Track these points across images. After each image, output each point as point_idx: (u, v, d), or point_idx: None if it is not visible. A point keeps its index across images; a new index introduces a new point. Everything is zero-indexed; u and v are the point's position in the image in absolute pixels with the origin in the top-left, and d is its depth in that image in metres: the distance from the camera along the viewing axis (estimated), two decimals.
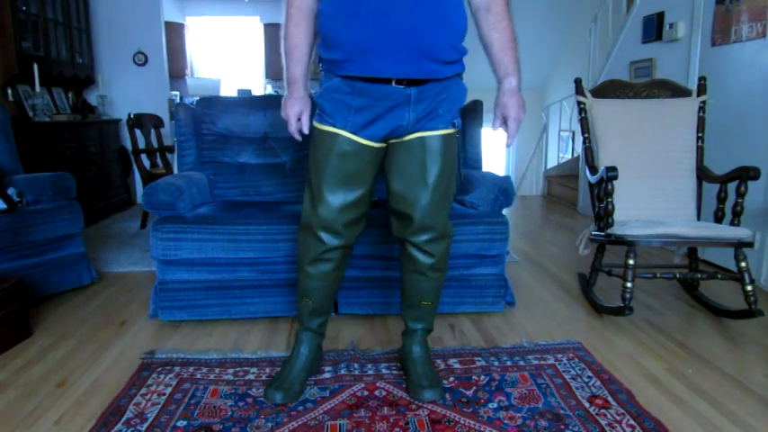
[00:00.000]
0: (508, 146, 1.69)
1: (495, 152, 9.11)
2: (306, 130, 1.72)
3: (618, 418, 1.64)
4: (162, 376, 1.89)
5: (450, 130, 1.66)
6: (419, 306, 1.83)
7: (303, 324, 1.83)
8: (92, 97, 5.20)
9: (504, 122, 1.67)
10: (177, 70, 6.87)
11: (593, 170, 2.58)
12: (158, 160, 4.40)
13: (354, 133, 1.60)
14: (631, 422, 1.61)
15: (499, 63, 1.65)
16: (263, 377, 1.89)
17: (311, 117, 1.71)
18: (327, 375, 1.89)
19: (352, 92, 1.57)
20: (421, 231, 1.70)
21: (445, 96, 1.62)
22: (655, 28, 3.90)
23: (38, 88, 4.18)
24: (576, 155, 6.46)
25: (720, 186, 2.44)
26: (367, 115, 1.58)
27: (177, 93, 6.69)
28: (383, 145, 1.66)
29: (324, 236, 1.67)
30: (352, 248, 1.78)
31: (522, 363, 2.00)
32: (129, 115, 4.14)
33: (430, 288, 1.80)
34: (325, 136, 1.62)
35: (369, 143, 1.62)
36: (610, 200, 2.35)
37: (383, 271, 2.37)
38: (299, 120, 1.71)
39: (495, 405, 1.71)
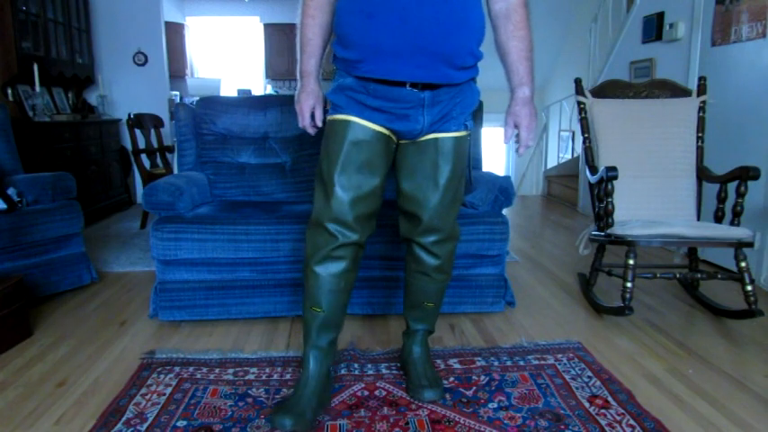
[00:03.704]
0: (520, 155, 1.69)
1: (495, 152, 9.12)
2: (320, 124, 1.69)
3: (618, 418, 1.64)
4: (162, 376, 1.89)
5: (463, 133, 1.64)
6: (422, 307, 1.82)
7: (310, 340, 1.67)
8: (92, 97, 5.20)
9: (516, 132, 1.67)
10: (177, 70, 6.87)
11: (593, 170, 2.58)
12: (158, 160, 4.40)
13: (368, 121, 1.57)
14: (631, 422, 1.61)
15: (515, 72, 1.63)
16: (263, 377, 1.89)
17: (324, 112, 1.70)
18: None
19: (366, 92, 1.55)
20: (429, 232, 1.68)
21: (459, 100, 1.60)
22: (655, 28, 3.90)
23: (38, 88, 4.19)
24: (576, 155, 6.46)
25: (720, 186, 2.44)
26: (382, 116, 1.57)
27: (177, 93, 6.69)
28: (395, 137, 1.64)
29: (335, 229, 1.58)
30: (363, 249, 1.68)
31: (522, 363, 2.00)
32: (129, 115, 4.14)
33: (434, 290, 1.79)
34: (339, 124, 1.59)
35: (382, 130, 1.58)
36: (610, 200, 2.35)
37: (383, 271, 2.37)
38: (313, 114, 1.68)
39: (495, 405, 1.71)
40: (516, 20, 1.59)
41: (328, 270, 1.61)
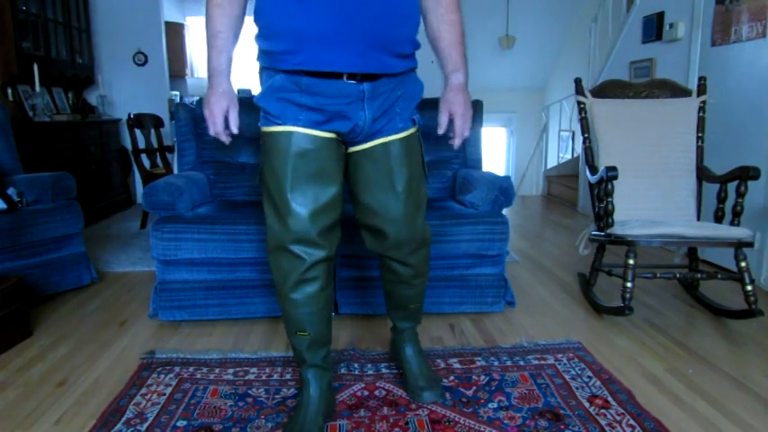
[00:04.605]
0: (456, 146, 1.60)
1: (495, 152, 9.12)
2: (235, 130, 1.51)
3: (618, 418, 1.64)
4: (162, 376, 1.89)
5: (411, 130, 1.54)
6: (407, 308, 1.80)
7: (305, 362, 1.60)
8: (92, 97, 5.20)
9: (451, 121, 1.56)
10: (177, 70, 6.86)
11: (593, 170, 2.58)
12: (158, 160, 4.41)
13: (310, 128, 1.44)
14: (631, 422, 1.61)
15: (447, 58, 1.54)
16: (263, 377, 1.89)
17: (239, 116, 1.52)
18: None
19: (298, 89, 1.40)
20: (399, 247, 1.59)
21: (401, 93, 1.50)
22: (655, 28, 3.90)
23: (38, 88, 4.19)
24: (576, 155, 6.46)
25: (720, 186, 2.44)
26: (320, 115, 1.43)
27: (177, 93, 6.68)
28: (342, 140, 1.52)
29: (301, 251, 1.46)
30: (334, 260, 1.58)
31: (522, 363, 2.00)
32: (129, 115, 4.14)
33: (415, 293, 1.75)
34: (278, 137, 1.43)
35: (328, 135, 1.45)
36: (610, 200, 2.35)
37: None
38: (227, 119, 1.49)
39: (495, 405, 1.71)
40: (446, 3, 1.51)
41: (305, 293, 1.51)
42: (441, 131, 1.58)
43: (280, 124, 1.44)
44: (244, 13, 1.49)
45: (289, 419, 1.60)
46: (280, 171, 1.44)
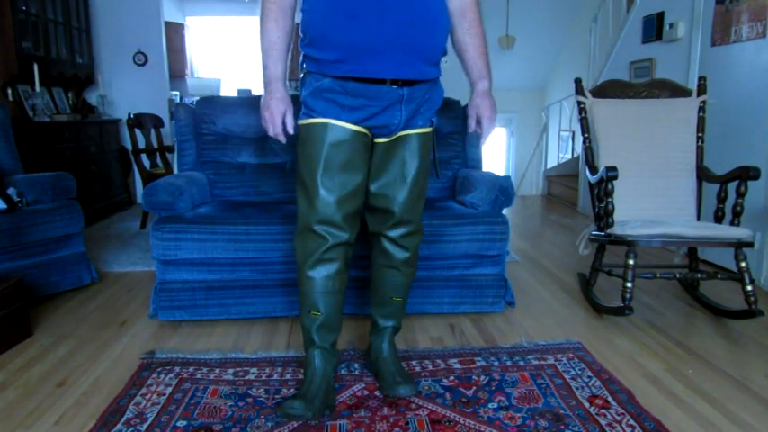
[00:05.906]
0: (483, 144, 1.81)
1: (495, 152, 9.13)
2: (291, 131, 1.69)
3: (618, 418, 1.64)
4: (162, 376, 1.89)
5: (428, 129, 1.71)
6: (390, 302, 1.85)
7: (313, 343, 1.71)
8: (92, 97, 5.20)
9: (479, 123, 1.77)
10: (177, 70, 6.86)
11: (593, 170, 2.58)
12: (158, 160, 4.40)
13: (346, 122, 1.59)
14: (631, 422, 1.61)
15: (473, 67, 1.73)
16: (263, 377, 1.89)
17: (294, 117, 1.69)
18: None
19: (344, 92, 1.57)
20: (399, 225, 1.73)
21: (429, 97, 1.67)
22: (655, 28, 3.90)
23: (38, 88, 4.18)
24: (576, 155, 6.46)
25: (720, 186, 2.44)
26: (361, 114, 1.59)
27: (177, 93, 6.69)
28: (371, 135, 1.67)
29: (324, 231, 1.62)
30: (352, 248, 1.72)
31: (522, 363, 2.00)
32: (129, 115, 4.14)
33: (402, 283, 1.83)
34: (316, 128, 1.59)
35: (359, 129, 1.61)
36: (610, 200, 2.35)
37: None
38: (283, 121, 1.67)
39: (495, 405, 1.71)
40: (471, 17, 1.68)
41: (321, 273, 1.65)
42: (470, 131, 1.81)
43: (319, 117, 1.59)
44: (293, 25, 1.64)
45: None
46: (314, 157, 1.60)
